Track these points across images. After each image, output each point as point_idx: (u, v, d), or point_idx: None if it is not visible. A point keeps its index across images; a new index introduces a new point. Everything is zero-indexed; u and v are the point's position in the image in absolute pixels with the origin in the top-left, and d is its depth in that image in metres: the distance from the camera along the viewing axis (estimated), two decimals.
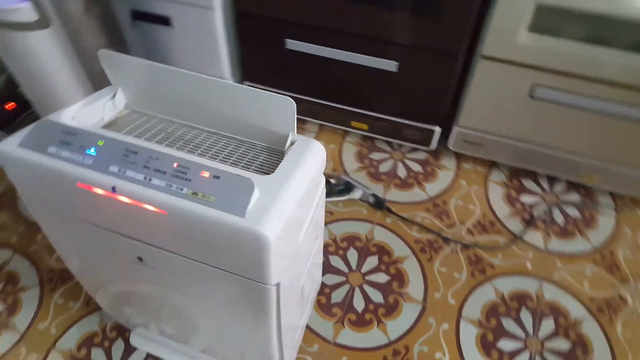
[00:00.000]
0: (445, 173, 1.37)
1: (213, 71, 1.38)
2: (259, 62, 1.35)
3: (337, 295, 1.09)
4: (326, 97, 1.37)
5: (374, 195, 1.31)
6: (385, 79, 1.23)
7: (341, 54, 1.22)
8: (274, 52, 1.29)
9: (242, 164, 0.68)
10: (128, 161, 0.61)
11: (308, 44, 1.23)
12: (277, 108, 0.68)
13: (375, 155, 1.42)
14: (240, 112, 0.71)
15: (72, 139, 0.64)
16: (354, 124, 1.41)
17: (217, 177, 0.60)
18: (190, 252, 0.65)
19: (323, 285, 1.11)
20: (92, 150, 0.62)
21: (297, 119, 1.40)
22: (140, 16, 1.29)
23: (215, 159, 0.69)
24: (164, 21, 1.30)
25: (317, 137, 1.45)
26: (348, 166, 1.38)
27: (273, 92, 0.66)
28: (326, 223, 1.22)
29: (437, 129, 1.32)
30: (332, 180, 1.34)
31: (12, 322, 1.04)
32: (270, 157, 0.71)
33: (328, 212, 1.26)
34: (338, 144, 1.44)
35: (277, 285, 0.65)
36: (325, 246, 1.18)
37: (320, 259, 1.03)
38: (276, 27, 1.24)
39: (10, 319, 1.04)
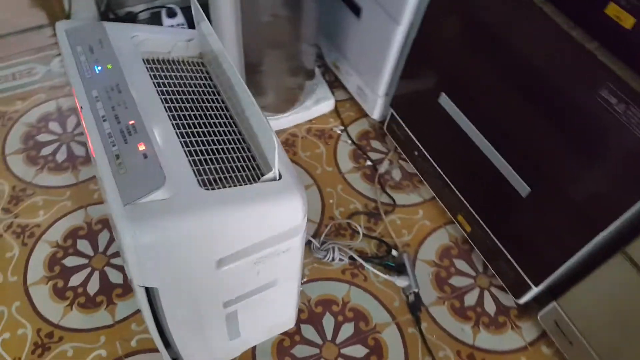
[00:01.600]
0: (515, 337, 1.11)
1: (370, 78, 1.33)
2: (411, 97, 1.25)
3: None
4: (449, 173, 1.20)
5: (417, 296, 1.13)
6: (510, 195, 1.02)
7: (482, 142, 1.04)
8: (426, 96, 1.16)
9: (215, 167, 0.64)
10: (107, 95, 0.62)
11: (459, 111, 1.08)
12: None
13: (458, 264, 1.21)
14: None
15: (97, 50, 0.67)
16: (460, 218, 1.22)
17: (145, 157, 0.57)
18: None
19: None
20: (99, 68, 0.65)
21: (419, 175, 1.27)
22: None
23: (195, 147, 0.65)
24: (356, 10, 1.27)
25: (422, 206, 1.29)
26: (426, 253, 1.21)
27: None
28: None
29: (535, 289, 1.06)
30: (394, 253, 1.20)
31: None
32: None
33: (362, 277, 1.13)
34: (434, 225, 1.27)
35: (150, 289, 0.61)
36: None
37: (282, 304, 0.93)
38: (442, 71, 1.11)
39: None
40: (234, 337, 0.91)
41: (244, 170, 0.66)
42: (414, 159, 1.30)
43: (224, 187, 0.62)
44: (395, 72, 1.26)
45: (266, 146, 0.66)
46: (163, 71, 0.74)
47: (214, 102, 0.73)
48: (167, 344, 0.84)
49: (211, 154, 0.66)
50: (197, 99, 0.72)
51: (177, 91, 0.72)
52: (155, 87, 0.69)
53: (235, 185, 0.63)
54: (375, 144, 1.40)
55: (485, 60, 0.98)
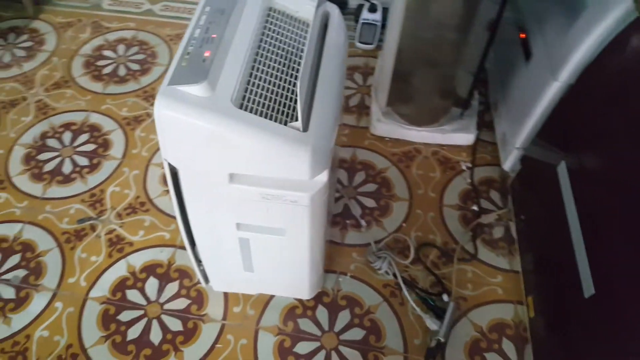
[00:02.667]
0: None
1: (514, 127, 1.26)
2: (537, 156, 1.16)
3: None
4: (534, 247, 1.09)
5: (439, 345, 1.07)
6: (574, 290, 0.90)
7: (576, 228, 0.92)
8: (549, 159, 1.07)
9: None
10: (214, 12, 0.78)
11: (570, 186, 0.98)
12: None
13: (505, 345, 1.10)
14: None
15: None
16: (529, 300, 1.10)
17: (204, 61, 0.72)
18: None
19: None
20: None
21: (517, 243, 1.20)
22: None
23: (254, 78, 0.77)
24: (527, 53, 1.23)
25: (504, 273, 1.19)
26: (479, 317, 1.13)
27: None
28: None
29: None
30: (444, 297, 1.14)
31: (41, 284, 1.14)
32: None
33: None
34: (504, 297, 1.16)
35: (173, 166, 0.77)
36: None
37: (293, 263, 1.00)
38: (575, 138, 1.01)
39: (38, 281, 1.15)
40: (248, 268, 1.01)
41: (282, 114, 0.75)
42: (519, 224, 1.21)
43: (254, 113, 0.72)
44: (536, 128, 1.19)
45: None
46: (277, 19, 0.87)
47: (296, 56, 0.83)
48: (193, 242, 0.98)
49: (264, 89, 0.76)
50: (287, 48, 0.83)
51: (276, 37, 0.84)
52: (259, 25, 0.82)
53: (262, 117, 0.72)
54: (494, 195, 1.33)
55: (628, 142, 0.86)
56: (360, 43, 1.66)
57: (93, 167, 1.36)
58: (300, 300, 1.13)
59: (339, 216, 1.27)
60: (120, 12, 1.81)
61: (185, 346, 1.06)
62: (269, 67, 0.80)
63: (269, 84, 0.78)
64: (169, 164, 0.77)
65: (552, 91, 1.10)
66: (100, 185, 1.32)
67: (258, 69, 0.79)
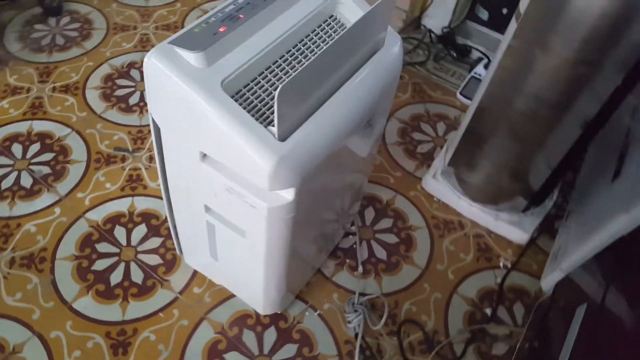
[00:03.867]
0: None
1: (569, 246, 1.10)
2: (575, 281, 0.99)
3: None
4: None
5: None
6: None
7: None
8: (579, 293, 0.91)
9: None
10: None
11: (576, 335, 0.82)
12: None
13: None
14: None
15: None
16: None
17: (215, 34, 0.70)
18: None
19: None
20: None
21: None
22: None
23: (265, 71, 0.73)
24: (616, 171, 1.06)
25: None
26: None
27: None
28: None
29: None
30: None
31: (54, 187, 1.22)
32: None
33: None
34: None
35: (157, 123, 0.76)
36: None
37: (250, 271, 0.95)
38: (609, 289, 0.85)
39: (54, 183, 1.23)
40: (213, 255, 0.98)
41: (273, 114, 0.71)
42: (523, 348, 1.04)
43: (238, 104, 0.68)
44: (586, 257, 1.01)
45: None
46: (332, 29, 0.82)
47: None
48: (171, 208, 0.98)
49: (269, 87, 0.72)
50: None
51: (321, 45, 0.79)
52: (308, 27, 0.78)
53: (245, 110, 0.68)
54: (518, 308, 1.15)
55: None
56: (461, 95, 1.55)
57: None
58: (257, 313, 1.07)
59: (341, 251, 1.19)
60: None
61: (135, 299, 1.07)
62: (293, 69, 0.76)
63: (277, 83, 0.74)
64: (153, 120, 0.77)
65: (619, 224, 0.93)
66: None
67: (280, 65, 0.75)
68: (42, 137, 1.32)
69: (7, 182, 1.22)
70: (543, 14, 0.89)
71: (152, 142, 1.28)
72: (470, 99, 1.54)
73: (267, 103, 0.72)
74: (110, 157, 1.29)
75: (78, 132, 1.34)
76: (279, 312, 1.08)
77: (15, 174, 1.23)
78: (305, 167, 0.72)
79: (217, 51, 0.69)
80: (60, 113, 1.37)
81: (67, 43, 1.57)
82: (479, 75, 1.56)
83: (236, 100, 0.69)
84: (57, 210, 1.18)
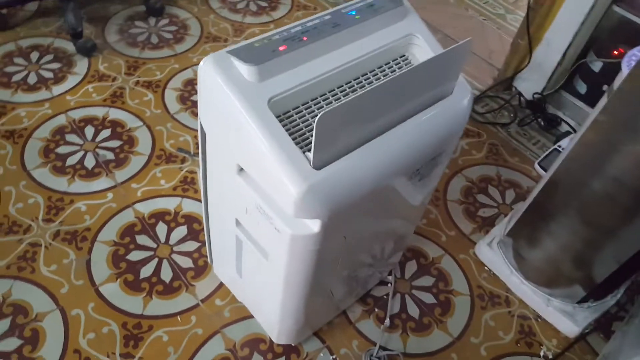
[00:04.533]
0: None
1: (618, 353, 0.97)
2: None
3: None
4: None
5: None
6: None
7: None
8: None
9: None
10: (327, 21, 0.76)
11: None
12: None
13: None
14: None
15: (374, 10, 0.79)
16: None
17: (274, 52, 0.70)
18: None
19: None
20: (352, 13, 0.78)
21: None
22: None
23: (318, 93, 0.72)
24: None
25: None
26: None
27: None
28: None
29: None
30: None
31: (112, 173, 1.22)
32: None
33: None
34: None
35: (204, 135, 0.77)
36: None
37: (270, 295, 0.92)
38: None
39: (114, 170, 1.23)
40: (238, 271, 0.96)
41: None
42: None
43: (283, 124, 0.67)
44: None
45: None
46: (400, 68, 0.80)
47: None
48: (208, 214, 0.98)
49: (318, 111, 0.71)
50: None
51: (380, 80, 0.77)
52: (374, 61, 0.77)
53: (290, 136, 0.67)
54: None
55: None
56: (539, 165, 1.45)
57: None
58: (271, 341, 1.03)
59: (373, 298, 1.14)
60: None
61: (158, 296, 1.07)
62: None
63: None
64: (201, 125, 0.77)
65: None
66: None
67: (336, 95, 0.74)
68: (115, 124, 1.39)
69: (72, 160, 1.29)
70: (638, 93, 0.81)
71: None
72: (546, 170, 1.43)
73: (313, 129, 0.69)
74: (171, 156, 1.33)
75: (148, 127, 1.39)
76: (293, 345, 1.03)
77: (81, 153, 1.30)
78: (337, 201, 0.69)
79: (272, 68, 0.68)
80: (137, 106, 1.44)
81: (160, 43, 1.66)
82: (563, 148, 1.46)
83: (281, 121, 0.68)
84: (110, 195, 1.22)
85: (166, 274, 1.10)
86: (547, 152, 1.46)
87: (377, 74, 0.78)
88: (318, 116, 0.59)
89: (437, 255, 1.24)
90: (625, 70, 0.90)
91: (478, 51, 1.80)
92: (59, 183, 1.23)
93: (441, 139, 0.80)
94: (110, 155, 1.31)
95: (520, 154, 1.50)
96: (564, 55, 1.47)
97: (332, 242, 0.76)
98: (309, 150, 0.66)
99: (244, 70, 0.67)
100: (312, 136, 0.69)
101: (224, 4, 1.87)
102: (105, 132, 1.36)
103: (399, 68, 0.81)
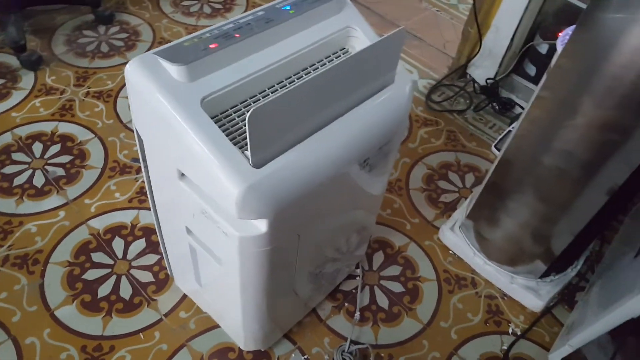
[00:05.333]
0: None
1: (586, 320, 0.98)
2: None
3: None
4: None
5: None
6: None
7: None
8: None
9: None
10: (259, 17, 0.74)
11: None
12: None
13: None
14: None
15: (317, 4, 0.78)
16: None
17: (204, 49, 0.68)
18: None
19: None
20: (286, 7, 0.76)
21: None
22: None
23: (254, 90, 0.70)
24: None
25: None
26: None
27: None
28: None
29: None
30: None
31: (64, 190, 1.21)
32: None
33: None
34: None
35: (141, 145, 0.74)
36: None
37: (229, 301, 0.90)
38: None
39: (65, 186, 1.22)
40: (197, 280, 0.94)
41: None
42: None
43: (219, 125, 0.65)
44: (595, 334, 0.89)
45: None
46: (334, 58, 0.79)
47: None
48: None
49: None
50: None
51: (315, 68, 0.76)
52: (314, 55, 0.75)
53: (224, 132, 0.65)
54: None
55: None
56: (495, 148, 1.46)
57: None
58: (240, 349, 1.01)
59: (342, 293, 1.12)
60: None
61: (118, 315, 1.04)
62: (297, 96, 0.72)
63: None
64: (137, 130, 0.75)
65: (633, 303, 0.81)
66: None
67: (276, 90, 0.72)
68: (65, 139, 1.34)
69: (20, 179, 1.24)
70: (575, 68, 0.82)
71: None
72: None
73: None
74: (125, 167, 1.30)
75: (100, 139, 1.35)
76: (262, 350, 1.01)
77: (29, 172, 1.26)
78: (282, 198, 0.67)
79: (203, 67, 0.66)
80: (88, 118, 1.40)
81: (111, 51, 1.61)
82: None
83: (218, 121, 0.66)
84: (62, 213, 1.18)
85: (125, 291, 1.07)
86: (502, 135, 1.48)
87: (317, 68, 0.77)
88: (249, 113, 0.57)
89: (403, 243, 1.23)
90: (559, 49, 0.91)
91: (433, 42, 1.81)
92: (7, 205, 1.19)
93: (385, 128, 0.79)
94: (60, 172, 1.27)
95: (478, 139, 1.51)
96: (512, 40, 1.49)
97: (285, 240, 0.75)
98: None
99: (173, 70, 0.65)
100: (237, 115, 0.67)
101: (176, 7, 1.83)
102: (55, 148, 1.32)
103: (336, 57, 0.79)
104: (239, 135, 0.67)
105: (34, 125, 1.37)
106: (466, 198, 1.35)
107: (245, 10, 1.84)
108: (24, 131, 1.35)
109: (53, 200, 1.21)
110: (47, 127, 1.37)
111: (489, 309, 1.13)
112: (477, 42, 1.55)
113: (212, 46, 0.68)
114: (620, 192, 0.90)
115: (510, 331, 1.10)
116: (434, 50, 1.77)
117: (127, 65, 0.66)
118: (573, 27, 0.93)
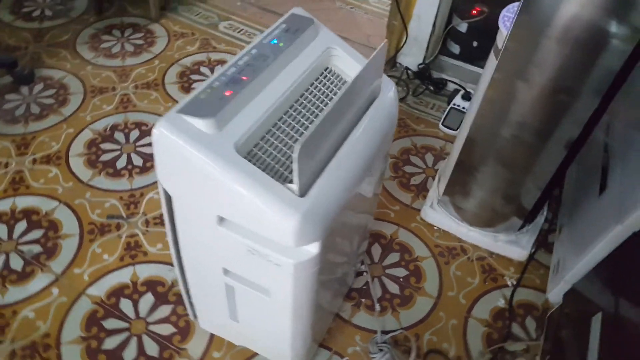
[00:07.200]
0: None
1: (569, 258, 1.13)
2: (580, 297, 1.00)
3: None
4: None
5: None
6: None
7: None
8: (591, 304, 0.92)
9: None
10: (256, 56, 0.78)
11: (598, 345, 0.83)
12: None
13: None
14: None
15: (291, 33, 0.82)
16: None
17: (221, 99, 0.70)
18: None
19: None
20: (274, 41, 0.80)
21: None
22: None
23: (273, 130, 0.74)
24: (602, 185, 1.10)
25: None
26: None
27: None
28: None
29: None
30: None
31: (47, 266, 1.15)
32: None
33: None
34: None
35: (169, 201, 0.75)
36: None
37: (276, 328, 0.93)
38: (620, 294, 0.86)
39: (48, 262, 1.16)
40: (233, 317, 0.95)
41: (287, 170, 0.71)
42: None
43: (253, 163, 0.68)
44: (589, 266, 1.04)
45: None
46: (329, 80, 0.84)
47: None
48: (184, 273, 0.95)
49: (284, 144, 0.73)
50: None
51: (321, 97, 0.81)
52: (306, 80, 0.80)
53: (262, 170, 0.68)
54: (530, 323, 1.16)
55: None
56: (443, 126, 1.59)
57: (144, 170, 1.40)
58: None
59: (355, 291, 1.18)
60: (231, 37, 1.90)
61: None
62: (298, 124, 0.77)
63: (292, 139, 0.74)
64: (164, 189, 0.75)
65: (614, 234, 0.96)
66: (143, 188, 1.35)
67: (286, 121, 0.76)
68: (28, 213, 1.27)
69: None
70: (521, 48, 0.93)
71: (143, 204, 1.27)
72: (452, 129, 1.58)
73: (279, 160, 0.72)
74: (104, 227, 1.26)
75: (66, 204, 1.30)
76: None
77: (3, 257, 1.18)
78: (327, 219, 0.72)
79: (226, 115, 0.69)
80: (45, 186, 1.33)
81: (44, 111, 1.53)
82: (458, 105, 1.61)
83: (249, 161, 0.69)
84: (55, 290, 1.13)
85: (152, 349, 1.06)
86: (446, 113, 1.61)
87: (312, 92, 0.81)
88: (297, 148, 0.61)
89: (393, 231, 1.32)
90: (503, 30, 1.03)
91: (357, 38, 1.90)
92: None
93: (384, 133, 0.86)
94: (37, 248, 1.20)
95: (425, 121, 1.63)
96: (434, 24, 1.61)
97: (327, 256, 0.79)
98: (285, 181, 0.69)
99: (202, 124, 0.67)
100: (281, 167, 0.72)
101: (96, 51, 1.76)
102: (21, 225, 1.24)
103: (327, 81, 0.84)
104: (270, 170, 0.70)
105: None
106: (432, 177, 1.46)
107: (168, 43, 1.83)
108: None
109: (40, 280, 1.15)
110: (4, 205, 1.29)
111: (483, 269, 1.25)
112: (403, 32, 1.67)
113: (227, 93, 0.71)
114: (574, 144, 1.04)
115: (508, 283, 1.23)
116: (360, 46, 1.87)
117: (155, 129, 0.67)
118: (508, 7, 1.06)
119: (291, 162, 0.71)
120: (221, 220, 0.74)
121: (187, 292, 0.99)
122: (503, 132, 1.07)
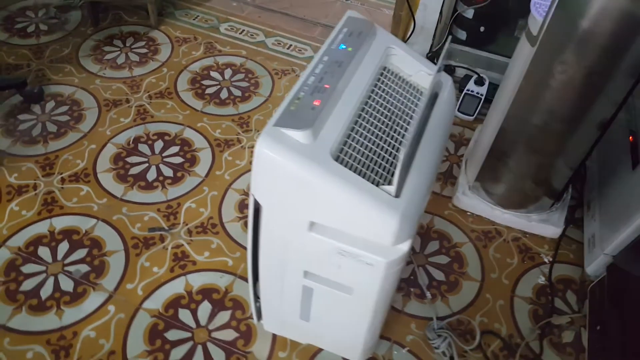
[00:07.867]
0: None
1: (606, 232, 1.19)
2: (629, 263, 1.07)
3: None
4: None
5: None
6: None
7: None
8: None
9: None
10: (330, 63, 0.80)
11: None
12: None
13: None
14: None
15: (355, 37, 0.84)
16: None
17: (313, 109, 0.72)
18: None
19: None
20: (343, 46, 0.82)
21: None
22: None
23: (357, 133, 0.76)
24: (635, 161, 1.15)
25: None
26: None
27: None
28: None
29: None
30: None
31: (99, 284, 1.15)
32: None
33: None
34: None
35: (257, 202, 0.77)
36: None
37: (352, 325, 0.95)
38: None
39: (98, 280, 1.16)
40: (304, 317, 0.98)
41: (376, 173, 0.73)
42: (592, 333, 1.10)
43: (347, 167, 0.70)
44: (632, 238, 1.10)
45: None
46: (389, 80, 0.86)
47: (400, 119, 0.82)
48: (256, 278, 0.97)
49: (361, 145, 0.75)
50: (392, 109, 0.82)
51: (384, 96, 0.83)
52: (371, 82, 0.82)
53: (357, 174, 0.70)
54: (570, 296, 1.23)
55: None
56: (459, 112, 1.63)
57: (176, 180, 1.39)
58: None
59: (404, 281, 1.22)
60: (234, 39, 1.89)
61: None
62: (371, 125, 0.79)
63: (368, 141, 0.77)
64: (255, 200, 0.77)
65: None
66: (178, 198, 1.35)
67: (361, 124, 0.78)
68: (68, 233, 1.26)
69: (46, 291, 1.15)
70: (557, 40, 0.97)
71: (182, 214, 1.28)
72: (468, 114, 1.63)
73: (361, 161, 0.74)
74: (148, 240, 1.25)
75: (104, 221, 1.29)
76: (370, 357, 1.08)
77: (51, 279, 1.17)
78: (417, 217, 0.75)
79: (320, 123, 0.71)
80: (78, 204, 1.32)
81: (61, 129, 1.51)
82: (472, 91, 1.65)
83: (342, 163, 0.71)
84: (111, 307, 1.13)
85: (219, 356, 1.07)
86: (460, 99, 1.65)
87: (377, 93, 0.84)
88: (402, 154, 0.64)
89: (428, 220, 1.36)
90: (537, 17, 1.07)
91: None
92: (49, 321, 1.10)
93: (448, 130, 0.90)
94: (84, 268, 1.19)
95: None
96: (441, 13, 1.65)
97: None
98: (371, 181, 0.71)
99: (300, 136, 0.69)
100: (364, 168, 0.74)
101: (101, 63, 1.74)
102: (63, 246, 1.23)
103: (387, 80, 0.87)
104: (358, 171, 0.73)
105: (24, 231, 1.26)
106: (457, 164, 1.50)
107: (173, 49, 1.81)
108: (18, 241, 1.24)
109: (94, 298, 1.14)
110: (41, 227, 1.27)
111: (520, 249, 1.31)
112: (410, 23, 1.70)
113: (315, 103, 0.73)
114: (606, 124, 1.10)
115: (546, 260, 1.29)
116: None
117: (258, 143, 0.68)
118: None
119: (373, 164, 0.74)
120: (312, 225, 0.76)
121: (256, 295, 1.00)
122: (533, 119, 1.11)
